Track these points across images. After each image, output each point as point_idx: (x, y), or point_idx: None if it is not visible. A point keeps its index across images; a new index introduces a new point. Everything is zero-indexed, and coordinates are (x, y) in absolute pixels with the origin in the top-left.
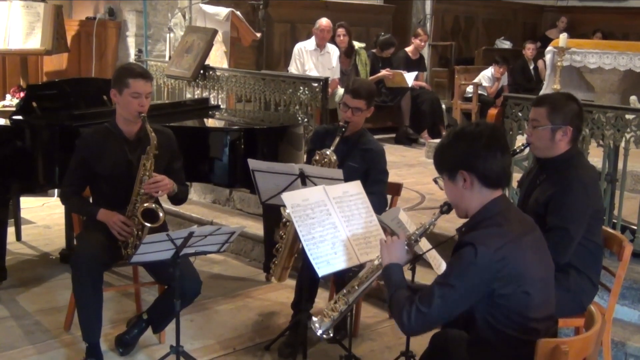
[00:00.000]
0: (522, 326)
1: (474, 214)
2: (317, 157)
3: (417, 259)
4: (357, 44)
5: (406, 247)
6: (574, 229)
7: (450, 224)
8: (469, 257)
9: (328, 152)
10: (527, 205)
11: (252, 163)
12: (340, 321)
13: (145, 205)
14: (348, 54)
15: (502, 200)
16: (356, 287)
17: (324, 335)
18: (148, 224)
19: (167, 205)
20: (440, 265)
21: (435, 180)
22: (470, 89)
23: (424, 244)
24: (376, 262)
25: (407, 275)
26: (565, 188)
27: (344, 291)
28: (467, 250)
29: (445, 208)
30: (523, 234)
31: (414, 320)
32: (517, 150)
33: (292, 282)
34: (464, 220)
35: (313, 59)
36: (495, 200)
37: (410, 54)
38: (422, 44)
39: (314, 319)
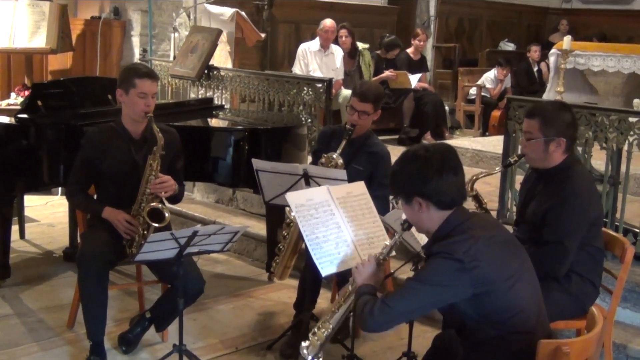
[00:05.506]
0: (512, 320)
1: (435, 231)
2: (324, 160)
3: (418, 262)
4: (360, 45)
5: (378, 266)
6: (569, 243)
7: None
8: (440, 261)
9: (335, 156)
10: (525, 215)
11: (257, 163)
12: (343, 322)
13: (152, 205)
14: (352, 54)
15: (460, 211)
16: (336, 311)
17: None
18: (155, 224)
19: (168, 204)
20: None
21: (395, 201)
22: (473, 90)
23: (423, 239)
24: (350, 287)
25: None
26: (562, 201)
27: (326, 317)
28: (438, 257)
29: (406, 225)
30: (489, 235)
31: (377, 313)
32: (512, 162)
33: (294, 282)
34: None
35: (317, 59)
36: (454, 214)
37: (411, 55)
38: (422, 43)
39: (303, 344)
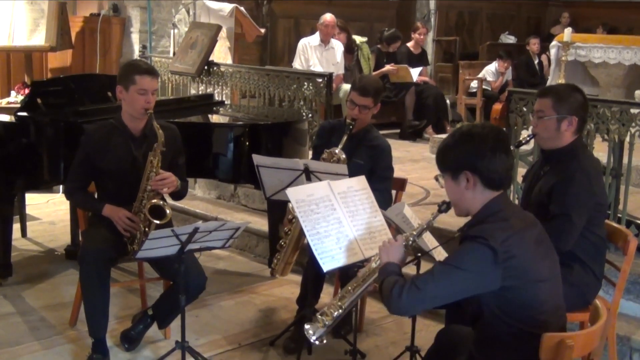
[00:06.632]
0: (532, 319)
1: (476, 213)
2: (326, 156)
3: (421, 255)
4: (358, 39)
5: (404, 249)
6: (576, 216)
7: (453, 219)
8: (476, 246)
9: (337, 151)
10: (531, 196)
11: (257, 158)
12: (345, 316)
13: (153, 201)
14: (349, 50)
15: (502, 197)
16: (351, 291)
17: (317, 342)
18: (156, 221)
19: (171, 201)
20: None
21: (436, 178)
22: (474, 84)
23: (430, 240)
24: (373, 265)
25: (412, 270)
26: (569, 177)
27: (339, 296)
28: (474, 242)
29: (444, 207)
30: (526, 228)
31: (405, 295)
32: (523, 141)
33: (296, 278)
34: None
35: (317, 54)
36: (497, 198)
37: (412, 49)
38: (422, 37)
39: (307, 326)
